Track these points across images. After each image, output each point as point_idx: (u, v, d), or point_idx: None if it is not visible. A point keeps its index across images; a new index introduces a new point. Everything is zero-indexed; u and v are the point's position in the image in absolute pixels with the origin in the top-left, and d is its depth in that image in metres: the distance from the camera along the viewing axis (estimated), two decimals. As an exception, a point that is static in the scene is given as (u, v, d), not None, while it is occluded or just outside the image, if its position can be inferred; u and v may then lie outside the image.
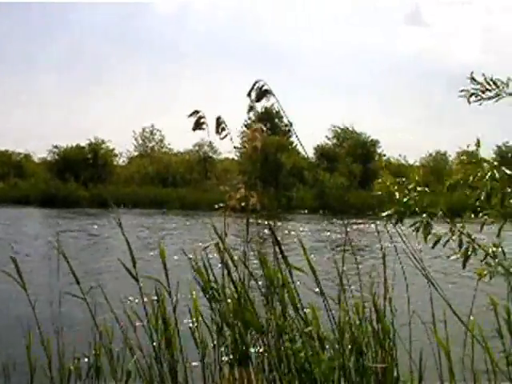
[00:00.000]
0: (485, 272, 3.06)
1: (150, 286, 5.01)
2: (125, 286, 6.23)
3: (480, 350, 4.21)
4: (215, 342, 4.86)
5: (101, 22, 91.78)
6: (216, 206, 5.07)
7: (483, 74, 3.02)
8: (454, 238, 3.18)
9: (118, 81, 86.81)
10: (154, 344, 4.80)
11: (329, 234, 23.42)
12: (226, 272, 4.71)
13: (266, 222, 4.99)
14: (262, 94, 4.40)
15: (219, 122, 4.91)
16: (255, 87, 4.39)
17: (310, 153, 55.37)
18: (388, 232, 4.00)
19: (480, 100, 3.01)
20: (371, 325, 4.47)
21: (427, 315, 4.55)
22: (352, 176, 47.12)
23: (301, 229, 27.45)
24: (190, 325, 5.04)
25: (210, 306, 4.80)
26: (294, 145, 54.16)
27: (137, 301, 5.29)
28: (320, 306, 4.49)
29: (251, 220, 5.23)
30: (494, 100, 3.00)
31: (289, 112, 4.97)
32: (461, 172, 3.21)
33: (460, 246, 3.19)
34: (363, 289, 4.60)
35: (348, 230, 5.55)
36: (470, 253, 3.04)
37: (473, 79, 3.00)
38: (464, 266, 3.16)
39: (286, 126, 57.87)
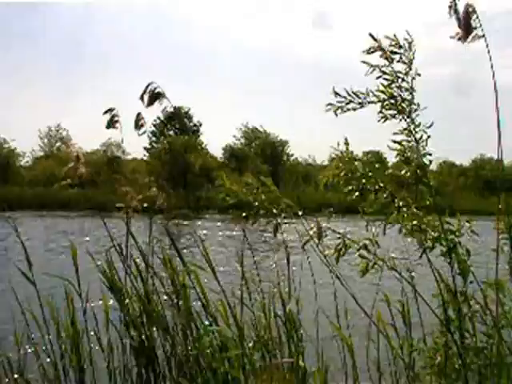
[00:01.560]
0: (360, 266, 3.17)
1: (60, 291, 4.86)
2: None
3: (385, 341, 4.36)
4: (124, 344, 4.78)
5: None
6: (117, 206, 4.95)
7: (344, 89, 3.23)
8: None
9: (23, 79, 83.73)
10: (62, 348, 4.68)
11: (235, 233, 23.52)
12: (131, 272, 4.65)
13: (185, 222, 4.95)
14: (155, 97, 4.31)
15: (139, 118, 4.79)
16: (148, 90, 4.29)
17: (220, 153, 55.64)
18: (296, 229, 4.06)
19: (346, 111, 3.21)
20: (280, 320, 4.54)
21: (334, 309, 4.68)
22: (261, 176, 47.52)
23: (206, 229, 27.39)
24: (99, 327, 4.93)
25: (120, 308, 4.72)
26: (203, 145, 54.22)
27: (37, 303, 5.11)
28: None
29: (159, 221, 5.18)
30: (358, 109, 3.20)
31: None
32: (332, 170, 3.36)
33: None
34: (270, 286, 4.67)
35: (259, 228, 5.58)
36: (341, 248, 3.15)
37: (336, 93, 3.18)
38: (337, 261, 3.25)
39: (196, 125, 57.93)
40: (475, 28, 3.13)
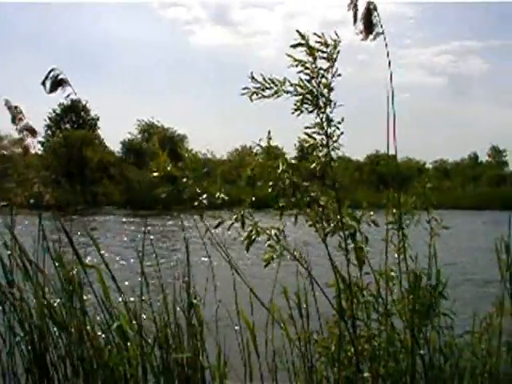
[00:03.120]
0: (266, 256, 3.21)
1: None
2: None
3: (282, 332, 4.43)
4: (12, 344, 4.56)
5: None
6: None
7: (261, 74, 3.26)
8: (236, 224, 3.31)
9: None
10: None
11: (133, 228, 23.20)
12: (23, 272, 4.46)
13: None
14: (58, 83, 4.15)
15: (17, 112, 4.56)
16: (50, 76, 4.14)
17: (118, 147, 54.52)
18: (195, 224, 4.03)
19: (261, 98, 3.23)
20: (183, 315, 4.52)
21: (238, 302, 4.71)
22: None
23: (106, 224, 26.84)
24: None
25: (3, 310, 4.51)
26: (101, 139, 52.89)
27: None
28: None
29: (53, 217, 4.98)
30: (274, 97, 3.23)
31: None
32: (255, 165, 3.39)
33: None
34: (171, 282, 4.63)
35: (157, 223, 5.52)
36: (253, 236, 3.17)
37: (253, 78, 3.20)
38: (247, 250, 3.28)
39: (93, 119, 56.38)
40: (375, 25, 3.19)
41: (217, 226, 3.39)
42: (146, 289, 4.47)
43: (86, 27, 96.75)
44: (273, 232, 3.31)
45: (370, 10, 3.18)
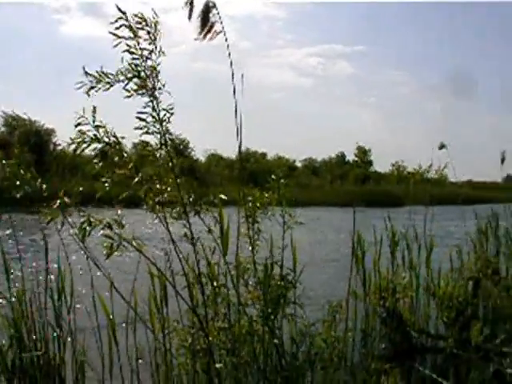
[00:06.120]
0: (105, 245, 3.19)
1: None
2: None
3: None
4: None
5: None
6: None
7: (97, 71, 3.19)
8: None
9: None
10: None
11: None
12: None
13: None
14: None
15: None
16: None
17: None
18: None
19: (97, 91, 3.19)
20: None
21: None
22: (26, 165, 44.85)
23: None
24: None
25: None
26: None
27: None
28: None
29: None
30: (107, 88, 3.20)
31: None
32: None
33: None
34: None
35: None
36: (88, 228, 3.13)
37: (86, 73, 3.16)
38: (83, 239, 3.22)
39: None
40: (214, 23, 3.20)
41: (48, 222, 3.28)
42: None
43: None
44: (108, 221, 3.23)
45: (208, 8, 3.17)
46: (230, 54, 3.25)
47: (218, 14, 3.21)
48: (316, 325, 4.15)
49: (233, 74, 3.31)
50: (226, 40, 3.24)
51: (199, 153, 52.45)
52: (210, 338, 3.53)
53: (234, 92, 3.32)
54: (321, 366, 4.07)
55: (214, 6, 3.20)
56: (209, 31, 3.19)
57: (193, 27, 3.21)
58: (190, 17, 3.16)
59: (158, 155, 3.41)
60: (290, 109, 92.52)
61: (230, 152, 52.17)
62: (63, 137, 54.52)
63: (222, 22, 3.20)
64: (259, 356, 3.82)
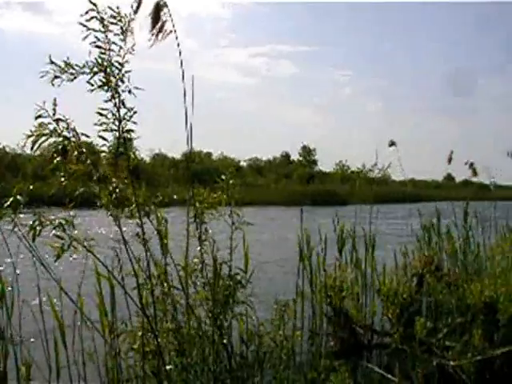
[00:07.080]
0: (56, 245, 3.13)
1: None
2: None
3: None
4: None
5: None
6: None
7: (64, 61, 3.14)
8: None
9: None
10: None
11: None
12: None
13: None
14: None
15: None
16: None
17: None
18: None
19: (62, 81, 3.13)
20: None
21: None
22: None
23: None
24: None
25: None
26: None
27: None
28: None
29: None
30: (72, 79, 3.15)
31: None
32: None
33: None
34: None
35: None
36: (37, 227, 3.06)
37: (52, 62, 3.10)
38: (34, 240, 3.15)
39: None
40: (165, 22, 3.17)
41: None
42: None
43: None
44: (60, 221, 3.17)
45: (159, 7, 3.14)
46: (180, 53, 3.23)
47: (169, 12, 3.19)
48: (265, 324, 4.17)
49: (183, 74, 3.30)
50: (177, 38, 3.21)
51: (143, 152, 51.70)
52: (160, 340, 3.51)
53: (185, 94, 3.31)
54: (270, 366, 4.10)
55: (165, 4, 3.17)
56: (160, 31, 3.16)
57: (139, 25, 3.18)
58: (136, 12, 3.11)
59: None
60: (235, 108, 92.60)
61: (174, 152, 51.86)
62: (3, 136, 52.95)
63: (172, 20, 3.18)
64: (209, 357, 3.82)
